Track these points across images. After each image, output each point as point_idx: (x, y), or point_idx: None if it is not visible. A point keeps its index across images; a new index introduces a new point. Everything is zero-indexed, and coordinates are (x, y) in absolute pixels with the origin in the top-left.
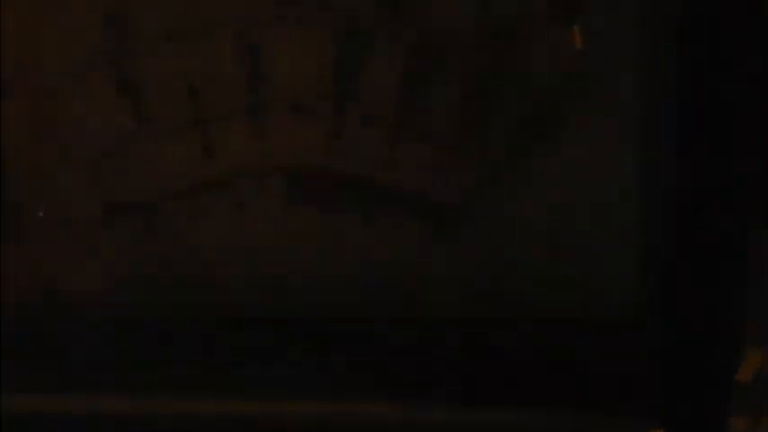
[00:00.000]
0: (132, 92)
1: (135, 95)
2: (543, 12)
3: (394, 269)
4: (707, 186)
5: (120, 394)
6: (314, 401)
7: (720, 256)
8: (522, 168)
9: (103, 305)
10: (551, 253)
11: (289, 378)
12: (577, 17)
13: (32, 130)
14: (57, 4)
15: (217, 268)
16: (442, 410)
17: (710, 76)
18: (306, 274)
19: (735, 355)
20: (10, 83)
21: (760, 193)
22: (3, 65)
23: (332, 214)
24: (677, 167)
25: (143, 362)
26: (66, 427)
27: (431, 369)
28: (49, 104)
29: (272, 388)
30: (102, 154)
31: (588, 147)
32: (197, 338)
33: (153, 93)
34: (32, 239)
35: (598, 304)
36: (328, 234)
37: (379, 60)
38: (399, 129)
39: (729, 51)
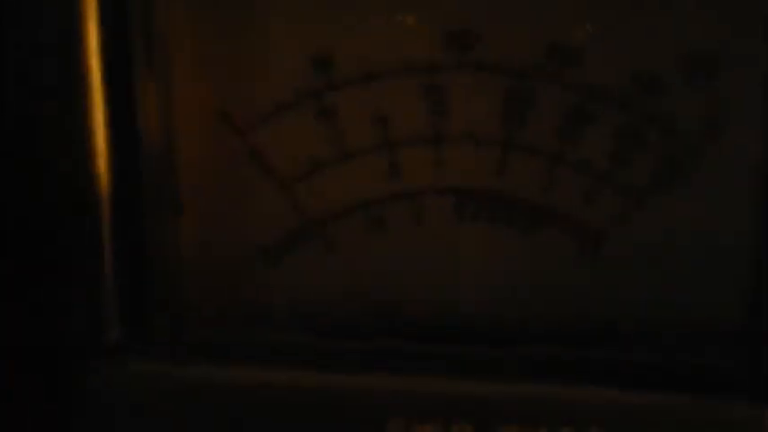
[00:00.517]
0: (331, 120)
1: (333, 124)
2: (686, 70)
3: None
4: None
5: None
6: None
7: None
8: (659, 201)
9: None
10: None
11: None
12: (712, 77)
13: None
14: (273, 46)
15: (396, 275)
16: None
17: None
18: (471, 281)
19: None
20: (228, 112)
21: None
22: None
23: (495, 228)
24: None
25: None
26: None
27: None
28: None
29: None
30: (301, 175)
31: (714, 188)
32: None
33: (349, 121)
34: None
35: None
36: (491, 245)
37: (544, 103)
38: (558, 160)
39: None
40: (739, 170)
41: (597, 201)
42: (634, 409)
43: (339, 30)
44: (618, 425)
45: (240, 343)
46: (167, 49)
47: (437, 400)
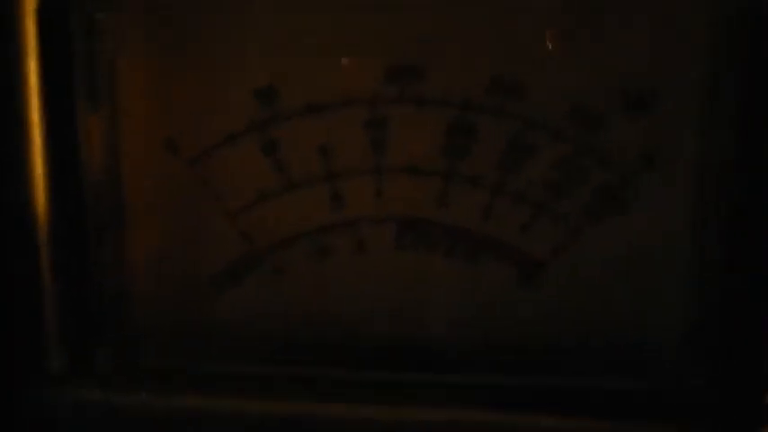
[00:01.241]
0: (274, 152)
1: (276, 155)
2: (619, 106)
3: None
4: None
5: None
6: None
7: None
8: (596, 230)
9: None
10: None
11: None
12: (645, 112)
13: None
14: (217, 81)
15: (339, 299)
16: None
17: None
18: (413, 304)
19: None
20: (174, 143)
21: None
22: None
23: (435, 257)
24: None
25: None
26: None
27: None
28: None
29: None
30: (247, 204)
31: (650, 214)
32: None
33: (292, 153)
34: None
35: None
36: (430, 273)
37: (484, 136)
38: (498, 191)
39: None
40: (675, 197)
41: (536, 230)
42: None
43: (284, 64)
44: None
45: (184, 371)
46: (114, 81)
47: (373, 427)
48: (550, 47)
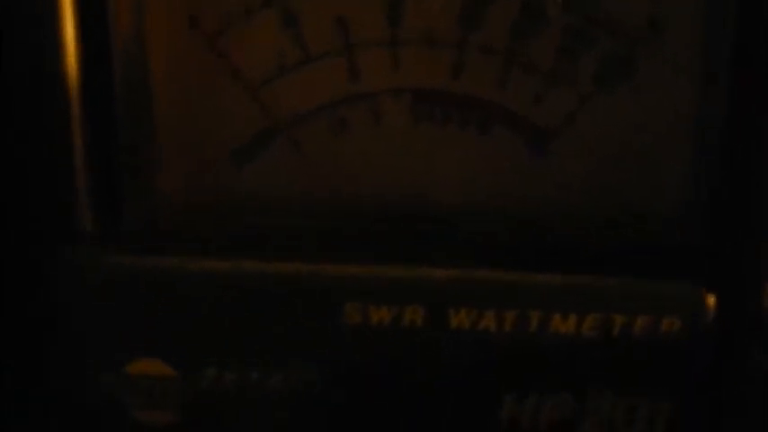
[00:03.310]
0: (292, 25)
1: (294, 28)
2: None
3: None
4: None
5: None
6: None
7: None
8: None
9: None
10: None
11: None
12: None
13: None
14: None
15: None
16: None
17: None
18: (426, 175)
19: None
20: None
21: None
22: None
23: (450, 127)
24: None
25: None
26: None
27: None
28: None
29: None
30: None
31: (657, 84)
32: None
33: (309, 26)
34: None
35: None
36: (445, 142)
37: (498, 5)
38: (510, 61)
39: None
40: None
41: (547, 100)
42: (576, 290)
43: None
44: (561, 307)
45: (210, 233)
46: None
47: (392, 285)
48: None
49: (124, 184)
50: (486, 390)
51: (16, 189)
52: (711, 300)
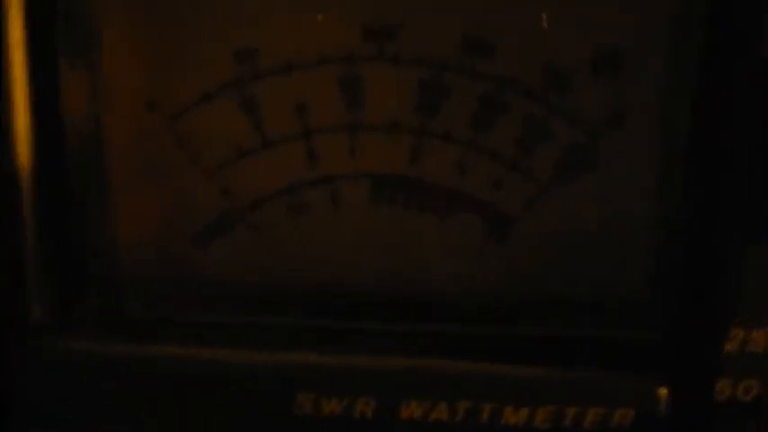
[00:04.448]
0: (252, 110)
1: (254, 113)
2: (587, 67)
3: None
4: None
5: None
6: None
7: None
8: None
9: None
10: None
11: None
12: (615, 73)
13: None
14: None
15: (316, 253)
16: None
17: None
18: (386, 260)
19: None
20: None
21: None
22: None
23: (410, 212)
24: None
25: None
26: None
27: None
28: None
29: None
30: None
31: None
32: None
33: (270, 111)
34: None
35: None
36: (405, 227)
37: (457, 94)
38: (469, 148)
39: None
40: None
41: (507, 187)
42: (528, 382)
43: (261, 24)
44: (513, 399)
45: (168, 321)
46: (97, 40)
47: (344, 376)
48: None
49: (82, 270)
50: None
51: None
52: (664, 392)
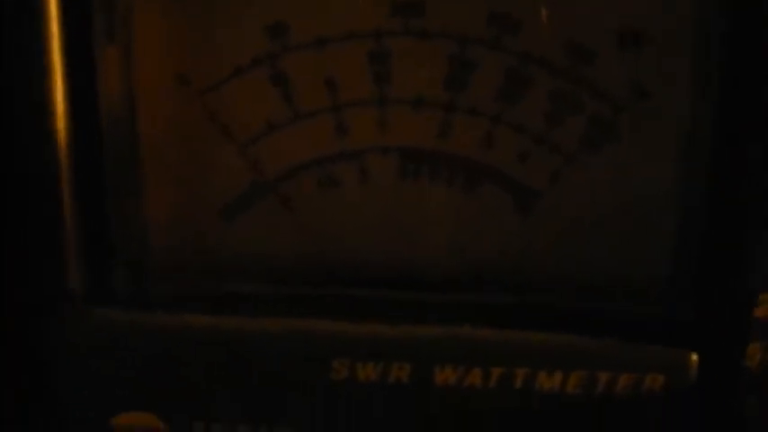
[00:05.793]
0: (282, 85)
1: (284, 88)
2: (614, 41)
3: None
4: None
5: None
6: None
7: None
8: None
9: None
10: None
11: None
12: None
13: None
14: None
15: (344, 225)
16: None
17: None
18: (413, 233)
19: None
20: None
21: None
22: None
23: (437, 185)
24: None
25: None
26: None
27: None
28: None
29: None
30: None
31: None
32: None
33: (299, 85)
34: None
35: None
36: (432, 201)
37: (484, 69)
38: (496, 122)
39: None
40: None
41: (533, 160)
42: (561, 348)
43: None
44: (547, 365)
45: (198, 293)
46: (130, 15)
47: (379, 343)
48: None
49: (114, 242)
50: None
51: (6, 248)
52: (694, 358)
